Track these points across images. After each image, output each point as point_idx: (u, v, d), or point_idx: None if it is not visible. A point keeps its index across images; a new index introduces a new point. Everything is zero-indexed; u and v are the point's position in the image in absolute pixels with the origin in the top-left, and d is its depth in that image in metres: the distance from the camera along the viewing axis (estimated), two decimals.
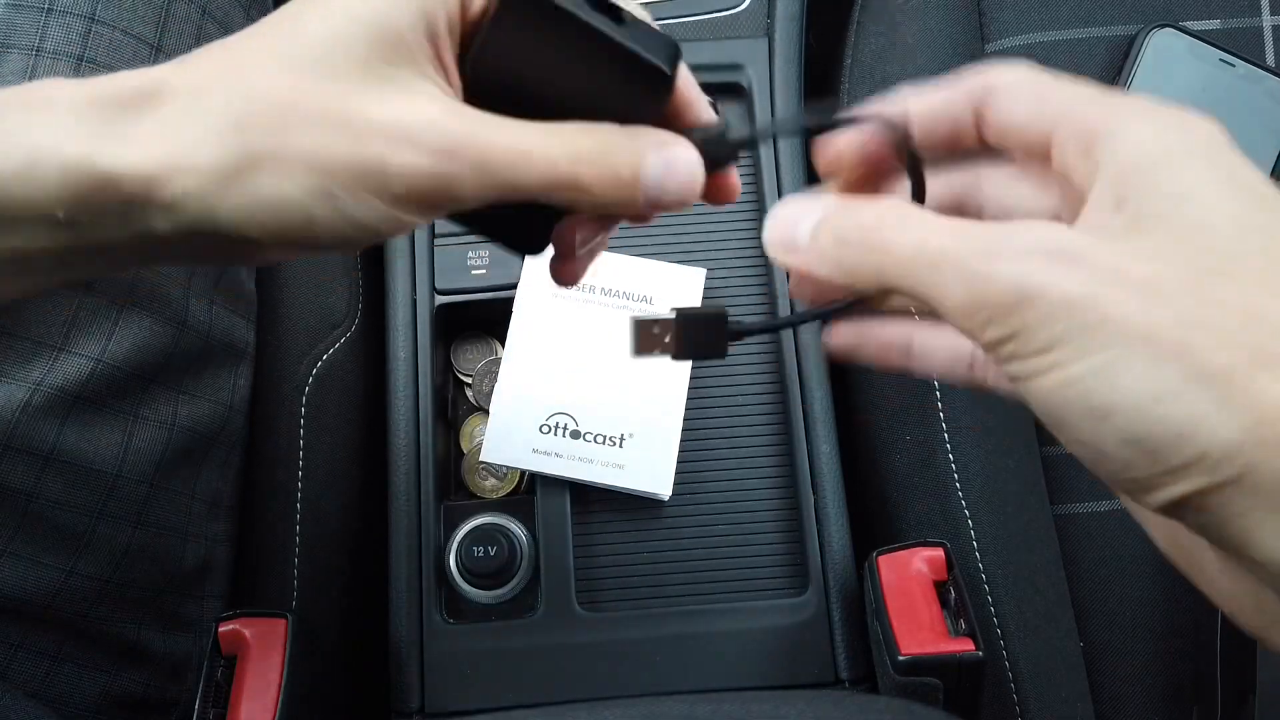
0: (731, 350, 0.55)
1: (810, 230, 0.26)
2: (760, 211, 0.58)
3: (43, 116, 0.26)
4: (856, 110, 0.28)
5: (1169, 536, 0.27)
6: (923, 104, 0.28)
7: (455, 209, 0.29)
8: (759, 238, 0.58)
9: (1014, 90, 0.26)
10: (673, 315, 0.30)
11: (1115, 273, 0.22)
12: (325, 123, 0.27)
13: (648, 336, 0.31)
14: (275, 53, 0.27)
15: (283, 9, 0.29)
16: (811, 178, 0.60)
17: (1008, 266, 0.22)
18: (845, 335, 0.31)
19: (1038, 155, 0.26)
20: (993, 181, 0.28)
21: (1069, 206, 0.26)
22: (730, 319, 0.31)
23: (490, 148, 0.27)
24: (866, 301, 0.27)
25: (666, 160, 0.29)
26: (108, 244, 0.28)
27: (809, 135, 0.30)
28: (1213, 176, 0.23)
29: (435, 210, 0.29)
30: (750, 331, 0.32)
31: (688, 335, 0.31)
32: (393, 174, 0.27)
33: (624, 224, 0.36)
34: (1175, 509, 0.22)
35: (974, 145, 0.28)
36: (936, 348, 0.30)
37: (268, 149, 0.26)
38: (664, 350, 0.31)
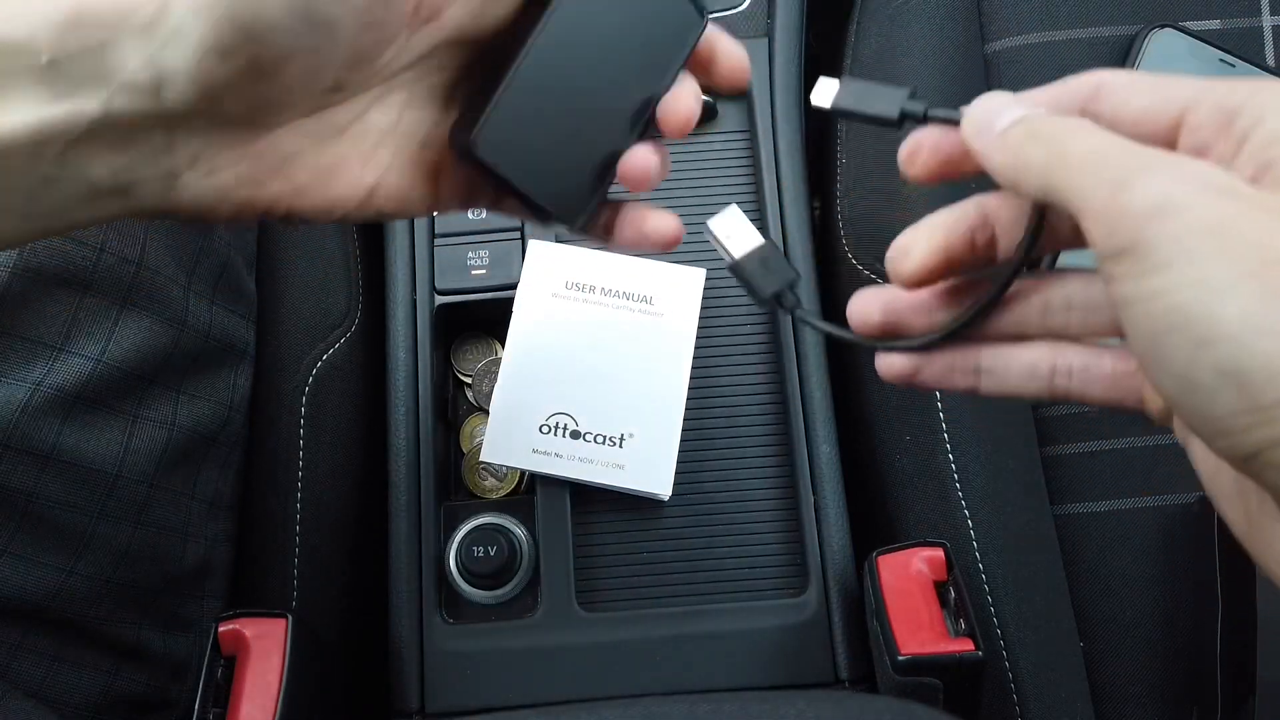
0: (739, 346, 0.56)
1: (1010, 121, 0.27)
2: (760, 213, 0.58)
3: None
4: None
5: (1244, 515, 0.28)
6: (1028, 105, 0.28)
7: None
8: None
9: (1132, 83, 0.27)
10: (763, 241, 0.34)
11: (1262, 210, 0.22)
12: None
13: (733, 227, 0.34)
14: None
15: None
16: (812, 184, 0.60)
17: (1159, 181, 0.23)
18: (900, 361, 0.31)
19: (1158, 144, 0.26)
20: None
21: None
22: (792, 290, 0.33)
23: None
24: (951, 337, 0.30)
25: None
26: (83, 118, 0.26)
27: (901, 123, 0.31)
28: None
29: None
30: (797, 315, 0.34)
31: (753, 261, 0.34)
32: None
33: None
34: (1253, 461, 0.22)
35: None
36: (1010, 363, 0.30)
37: None
38: (724, 250, 0.34)
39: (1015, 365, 0.30)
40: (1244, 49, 0.60)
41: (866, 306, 0.31)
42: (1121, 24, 0.61)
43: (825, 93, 0.31)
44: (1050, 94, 0.28)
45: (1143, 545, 0.55)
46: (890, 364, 0.31)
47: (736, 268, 0.34)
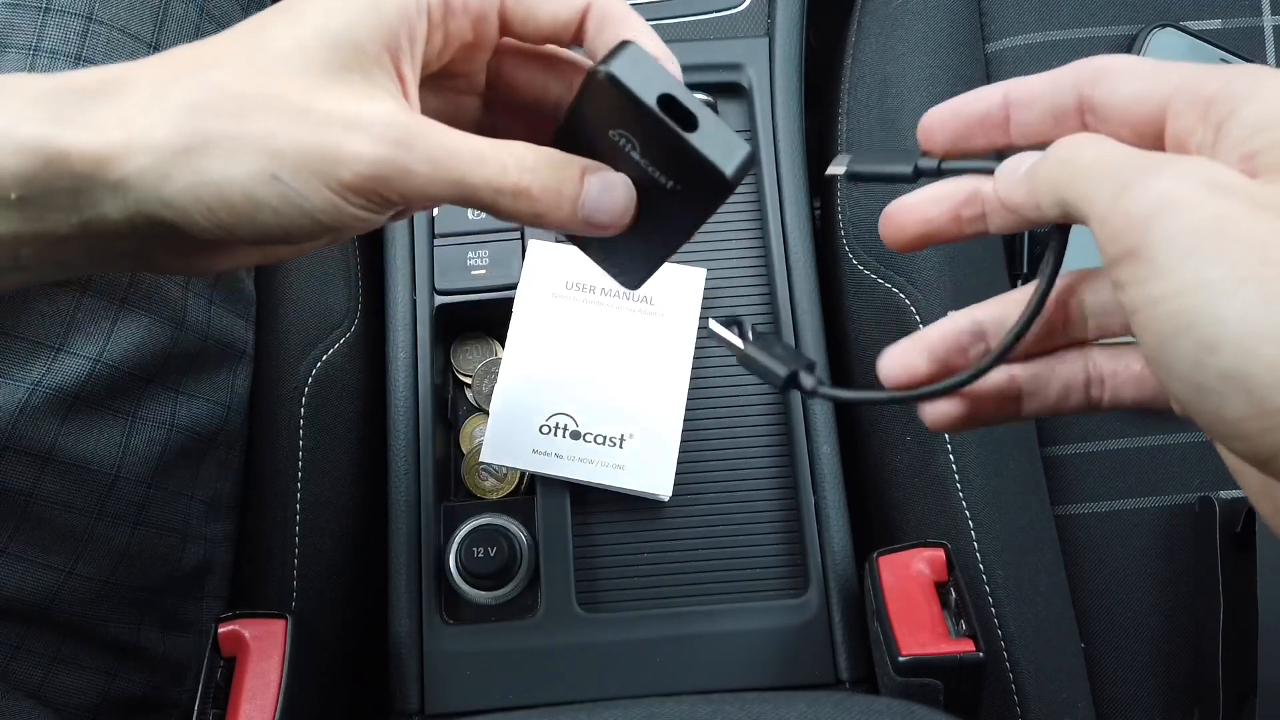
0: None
1: (1031, 163, 0.27)
2: (760, 213, 0.58)
3: (4, 102, 0.27)
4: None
5: (1273, 507, 0.27)
6: (1025, 88, 0.28)
7: (404, 204, 0.30)
8: (759, 238, 0.58)
9: (1128, 68, 0.27)
10: (771, 332, 0.34)
11: (1260, 206, 0.22)
12: (280, 110, 0.28)
13: (733, 331, 0.34)
14: (239, 53, 0.29)
15: (254, 18, 0.30)
16: (812, 184, 0.60)
17: (1156, 181, 0.22)
18: (955, 407, 0.30)
19: (1147, 134, 0.26)
20: None
21: None
22: (808, 372, 0.33)
23: (444, 143, 0.29)
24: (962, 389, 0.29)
25: (604, 182, 0.31)
26: (56, 234, 0.28)
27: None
28: None
29: (384, 204, 0.29)
30: (821, 393, 0.33)
31: (763, 348, 0.33)
32: (345, 159, 0.28)
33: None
34: (1272, 463, 0.21)
35: (1073, 130, 0.28)
36: (1049, 383, 0.30)
37: (220, 131, 0.27)
38: (729, 342, 0.34)
39: (1054, 384, 0.30)
40: (1245, 49, 0.60)
41: (909, 358, 0.30)
42: (1122, 24, 0.61)
43: (839, 162, 0.33)
44: (1050, 76, 0.28)
45: (1143, 545, 0.55)
46: (942, 414, 0.30)
47: (746, 358, 0.34)
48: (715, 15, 0.61)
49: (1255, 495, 0.28)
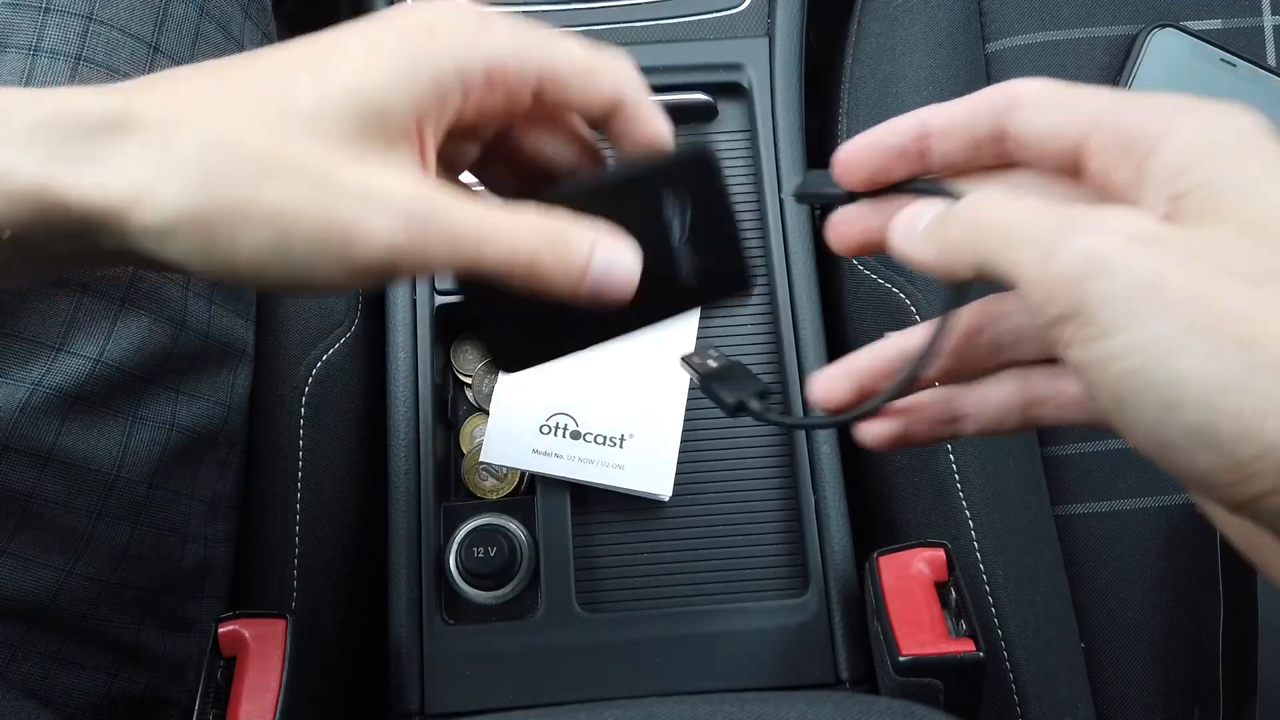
0: (739, 345, 0.56)
1: (930, 218, 0.27)
2: (759, 215, 0.58)
3: None
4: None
5: (1241, 534, 0.27)
6: (942, 118, 0.28)
7: (412, 277, 0.29)
8: (760, 239, 0.58)
9: (1039, 99, 0.26)
10: (730, 361, 0.36)
11: (1191, 256, 0.21)
12: (297, 178, 0.26)
13: (698, 360, 0.36)
14: (259, 105, 0.27)
15: (278, 58, 0.28)
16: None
17: (1083, 240, 0.22)
18: (887, 427, 0.31)
19: (1065, 166, 0.26)
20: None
21: None
22: (761, 399, 0.34)
23: (460, 220, 0.28)
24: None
25: (611, 255, 0.31)
26: (49, 257, 0.28)
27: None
28: (1266, 168, 0.22)
29: (392, 280, 0.29)
30: (768, 419, 0.35)
31: (724, 375, 0.36)
32: (361, 239, 0.27)
33: None
34: (1244, 509, 0.21)
35: (992, 161, 0.28)
36: (985, 405, 0.30)
37: (234, 198, 0.26)
38: (697, 372, 0.36)
39: (990, 405, 0.30)
40: (1245, 49, 0.60)
41: (833, 384, 0.31)
42: (1122, 24, 0.61)
43: (790, 186, 0.34)
44: (967, 105, 0.28)
45: (1144, 545, 0.55)
46: (875, 433, 0.31)
47: (705, 389, 0.35)
48: (715, 15, 0.61)
49: (1224, 523, 0.28)
